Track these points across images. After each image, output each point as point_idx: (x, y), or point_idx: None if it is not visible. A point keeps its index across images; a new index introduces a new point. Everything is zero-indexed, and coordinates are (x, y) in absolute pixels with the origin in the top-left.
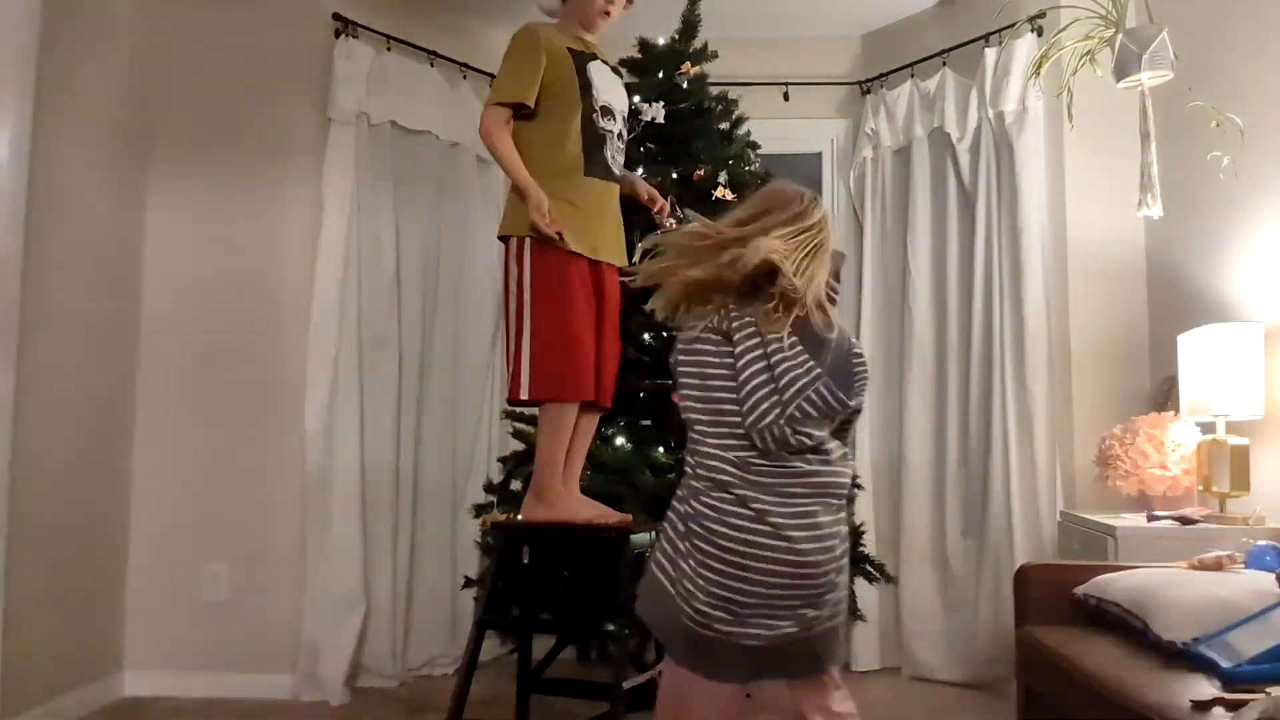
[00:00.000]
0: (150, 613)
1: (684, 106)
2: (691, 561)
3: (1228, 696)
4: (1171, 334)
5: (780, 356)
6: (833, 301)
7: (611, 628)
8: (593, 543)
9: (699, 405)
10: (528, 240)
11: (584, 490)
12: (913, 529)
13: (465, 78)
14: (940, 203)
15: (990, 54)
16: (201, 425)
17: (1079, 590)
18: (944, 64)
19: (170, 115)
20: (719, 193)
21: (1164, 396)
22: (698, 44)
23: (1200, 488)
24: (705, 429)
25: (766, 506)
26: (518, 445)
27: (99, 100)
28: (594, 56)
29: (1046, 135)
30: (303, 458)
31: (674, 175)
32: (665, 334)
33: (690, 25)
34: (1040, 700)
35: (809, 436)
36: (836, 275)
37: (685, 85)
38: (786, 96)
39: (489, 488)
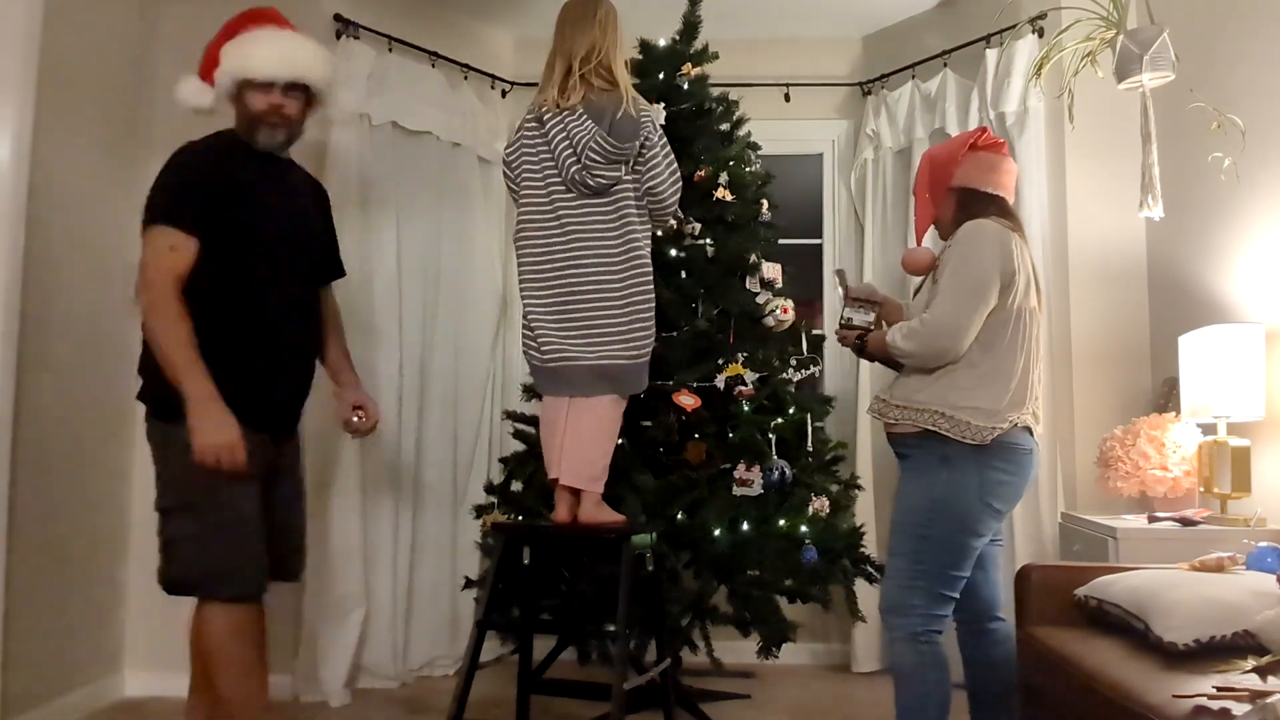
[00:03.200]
0: (150, 613)
1: (685, 107)
2: None
3: (1214, 694)
4: (1172, 335)
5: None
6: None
7: (612, 629)
8: (593, 543)
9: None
10: None
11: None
12: None
13: (466, 79)
14: None
15: (991, 55)
16: None
17: (1080, 591)
18: (945, 65)
19: (171, 116)
20: (719, 194)
21: (1165, 398)
22: (699, 45)
23: (1201, 489)
24: None
25: None
26: (518, 446)
27: (100, 100)
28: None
29: (1047, 136)
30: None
31: None
32: (664, 334)
33: (691, 26)
34: (1041, 701)
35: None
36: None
37: (686, 86)
38: (788, 97)
39: (489, 488)
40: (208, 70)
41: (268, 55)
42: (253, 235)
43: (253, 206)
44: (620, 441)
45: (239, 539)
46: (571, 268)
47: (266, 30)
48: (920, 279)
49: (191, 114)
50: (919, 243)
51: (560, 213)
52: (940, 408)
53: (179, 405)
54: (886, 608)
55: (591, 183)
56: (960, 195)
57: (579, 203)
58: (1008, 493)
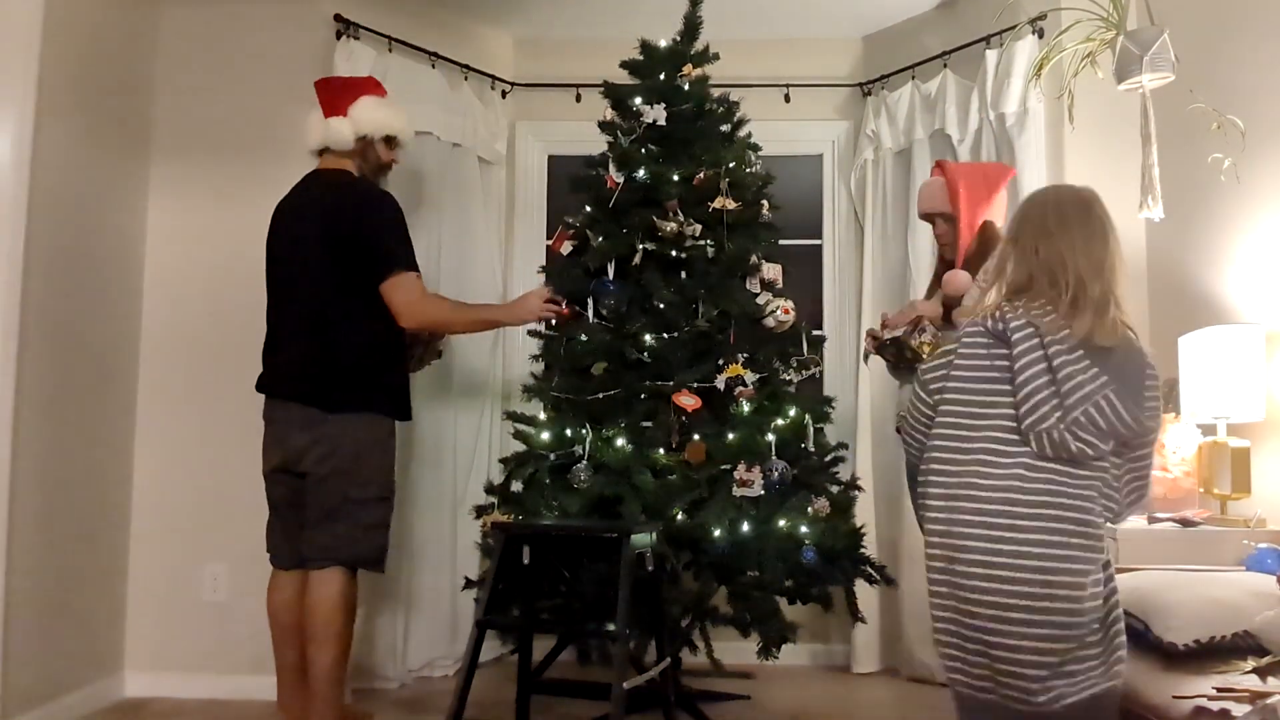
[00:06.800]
0: (150, 613)
1: (685, 108)
2: None
3: (1214, 694)
4: (1172, 336)
5: (1062, 360)
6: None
7: (612, 628)
8: (593, 543)
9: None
10: None
11: (586, 492)
12: (913, 531)
13: (467, 79)
14: None
15: (991, 56)
16: (202, 425)
17: None
18: (945, 66)
19: (172, 116)
20: (718, 203)
21: (1165, 399)
22: (699, 45)
23: (1201, 490)
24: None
25: None
26: (518, 446)
27: (100, 101)
28: None
29: (1047, 137)
30: None
31: (674, 177)
32: (665, 335)
33: (692, 27)
34: None
35: (1091, 447)
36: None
37: (686, 87)
38: (788, 98)
39: (489, 488)
40: (341, 109)
41: (407, 124)
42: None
43: None
44: (620, 442)
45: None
46: None
47: (393, 102)
48: (930, 294)
49: (193, 115)
50: (960, 263)
51: None
52: None
53: (390, 400)
54: None
55: (1074, 448)
56: (986, 226)
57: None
58: None
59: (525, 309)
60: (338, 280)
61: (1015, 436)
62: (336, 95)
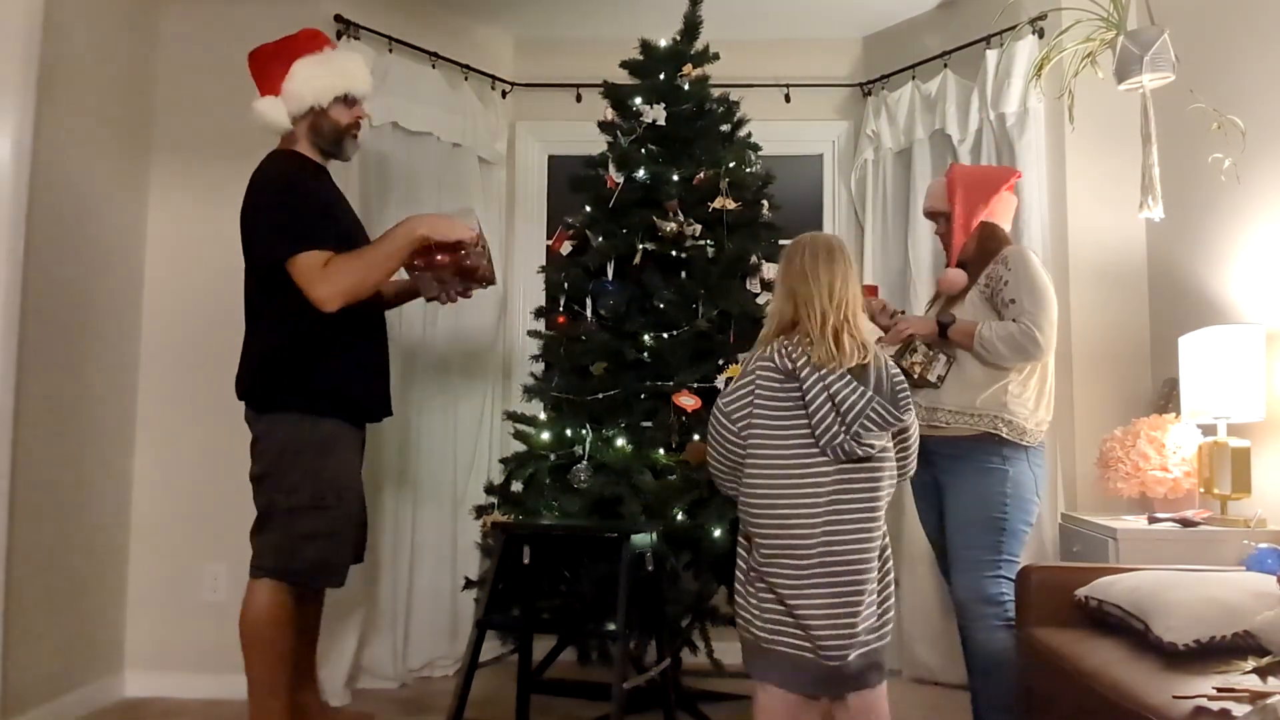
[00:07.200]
0: (150, 613)
1: (685, 108)
2: None
3: (1214, 694)
4: (1173, 336)
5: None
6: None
7: (612, 628)
8: (593, 543)
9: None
10: None
11: (586, 492)
12: (913, 531)
13: (467, 79)
14: None
15: (991, 56)
16: (202, 425)
17: (1080, 592)
18: (945, 66)
19: (172, 115)
20: (718, 203)
21: (1165, 398)
22: (699, 45)
23: (1201, 490)
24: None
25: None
26: (519, 446)
27: (101, 100)
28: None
29: (1048, 137)
30: None
31: (674, 177)
32: (664, 335)
33: (692, 27)
34: (1041, 701)
35: (872, 446)
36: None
37: (686, 87)
38: (788, 98)
39: (489, 488)
40: (274, 86)
41: (361, 73)
42: (349, 245)
43: (344, 221)
44: (620, 442)
45: (347, 539)
46: None
47: (340, 50)
48: (936, 298)
49: (193, 115)
50: (953, 262)
51: None
52: (999, 412)
53: (321, 400)
54: (974, 599)
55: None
56: (985, 227)
57: None
58: (1043, 488)
59: (429, 222)
60: (249, 275)
61: (815, 449)
62: (266, 70)
